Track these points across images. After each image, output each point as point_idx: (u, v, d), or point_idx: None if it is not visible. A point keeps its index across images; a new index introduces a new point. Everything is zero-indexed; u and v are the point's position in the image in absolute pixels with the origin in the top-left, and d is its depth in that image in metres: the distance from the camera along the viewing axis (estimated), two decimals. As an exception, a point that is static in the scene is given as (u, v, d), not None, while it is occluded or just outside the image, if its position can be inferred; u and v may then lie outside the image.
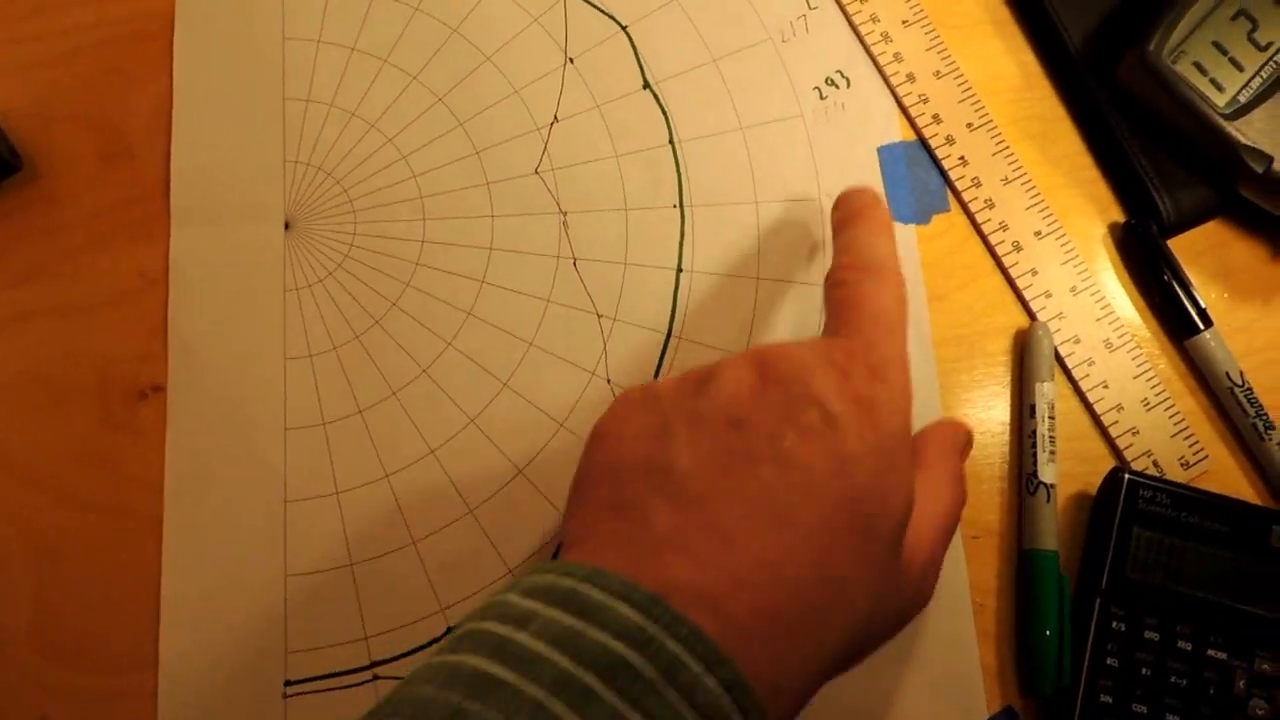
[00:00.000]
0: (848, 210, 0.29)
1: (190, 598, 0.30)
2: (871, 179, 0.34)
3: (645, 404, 0.24)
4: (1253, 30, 0.33)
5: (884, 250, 0.27)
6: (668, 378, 0.25)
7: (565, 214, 0.34)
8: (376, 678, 0.30)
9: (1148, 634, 0.30)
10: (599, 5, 0.35)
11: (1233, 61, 0.32)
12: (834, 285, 0.26)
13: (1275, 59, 0.33)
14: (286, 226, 0.33)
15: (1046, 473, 0.32)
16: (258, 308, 0.32)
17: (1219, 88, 0.32)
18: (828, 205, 0.34)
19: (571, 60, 0.35)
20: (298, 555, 0.31)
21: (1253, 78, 0.32)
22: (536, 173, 0.34)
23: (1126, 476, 0.31)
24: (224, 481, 0.31)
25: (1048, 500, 0.31)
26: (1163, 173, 0.34)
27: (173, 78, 0.33)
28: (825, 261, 0.34)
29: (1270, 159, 0.32)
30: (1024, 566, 0.31)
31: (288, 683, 0.30)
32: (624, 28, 0.35)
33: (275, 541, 0.31)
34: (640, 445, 0.22)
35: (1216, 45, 0.33)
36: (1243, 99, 0.32)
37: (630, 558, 0.20)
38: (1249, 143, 0.32)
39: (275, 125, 0.33)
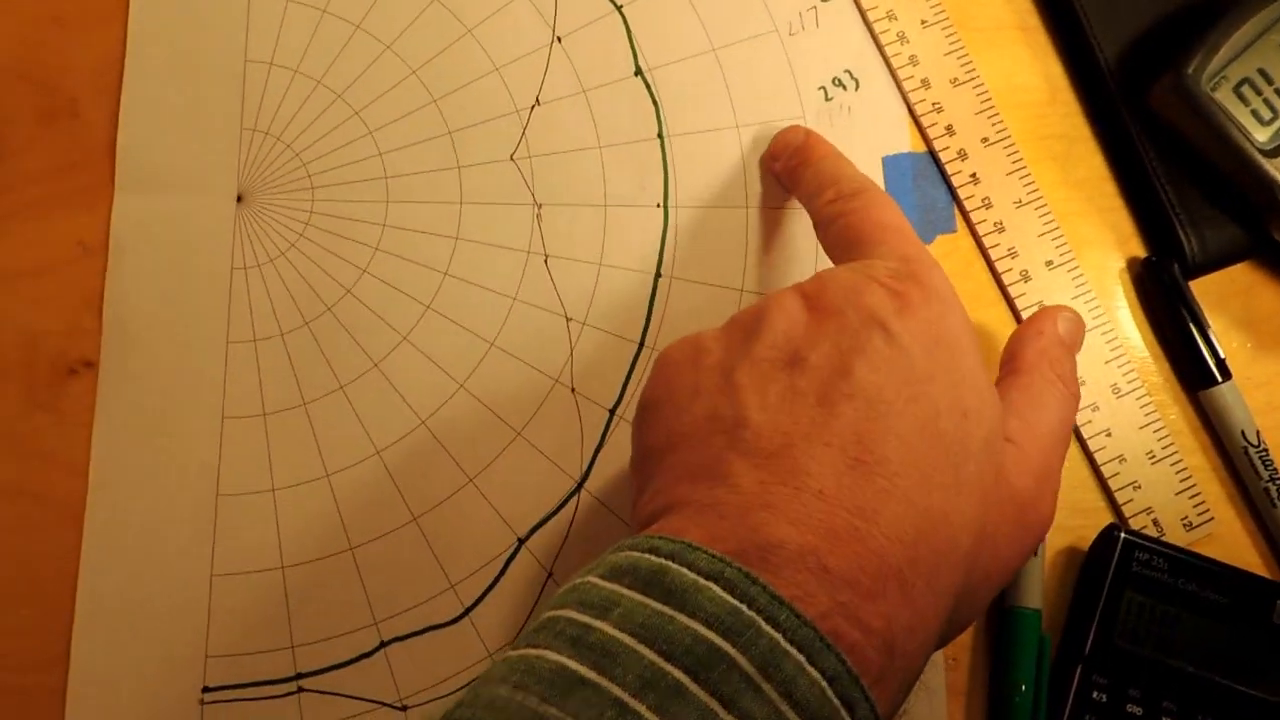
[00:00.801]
0: (794, 155, 0.29)
1: (108, 593, 0.28)
2: (874, 191, 0.32)
3: (694, 361, 0.22)
4: (1304, 58, 0.30)
5: (855, 172, 0.27)
6: (710, 329, 0.23)
7: (540, 206, 0.31)
8: (301, 690, 0.28)
9: (1130, 707, 0.28)
10: (594, -19, 0.32)
11: (1279, 93, 0.30)
12: (830, 221, 0.26)
13: (1326, 91, 0.30)
14: (239, 200, 0.30)
15: (1036, 524, 0.29)
16: (202, 285, 0.30)
17: (1260, 121, 0.29)
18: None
19: (559, 39, 0.32)
20: (226, 554, 0.29)
21: (1299, 111, 0.30)
22: (512, 159, 0.31)
23: (1122, 536, 0.29)
24: (153, 470, 0.29)
25: (1035, 554, 0.29)
26: (1190, 208, 0.31)
27: (126, 29, 0.31)
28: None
29: (1311, 202, 0.29)
30: (1003, 623, 0.29)
31: (205, 689, 0.28)
32: (619, 7, 0.32)
33: (203, 538, 0.29)
34: (703, 404, 0.21)
35: (1262, 73, 0.30)
36: (1286, 134, 0.29)
37: (718, 525, 0.18)
38: (1289, 182, 0.29)
39: (234, 89, 0.31)
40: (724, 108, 0.32)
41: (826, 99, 0.32)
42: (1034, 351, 0.25)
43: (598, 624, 0.17)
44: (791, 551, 0.18)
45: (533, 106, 0.32)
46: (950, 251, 0.32)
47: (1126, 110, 0.32)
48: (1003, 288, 0.32)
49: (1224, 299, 0.32)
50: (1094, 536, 0.30)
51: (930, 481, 0.19)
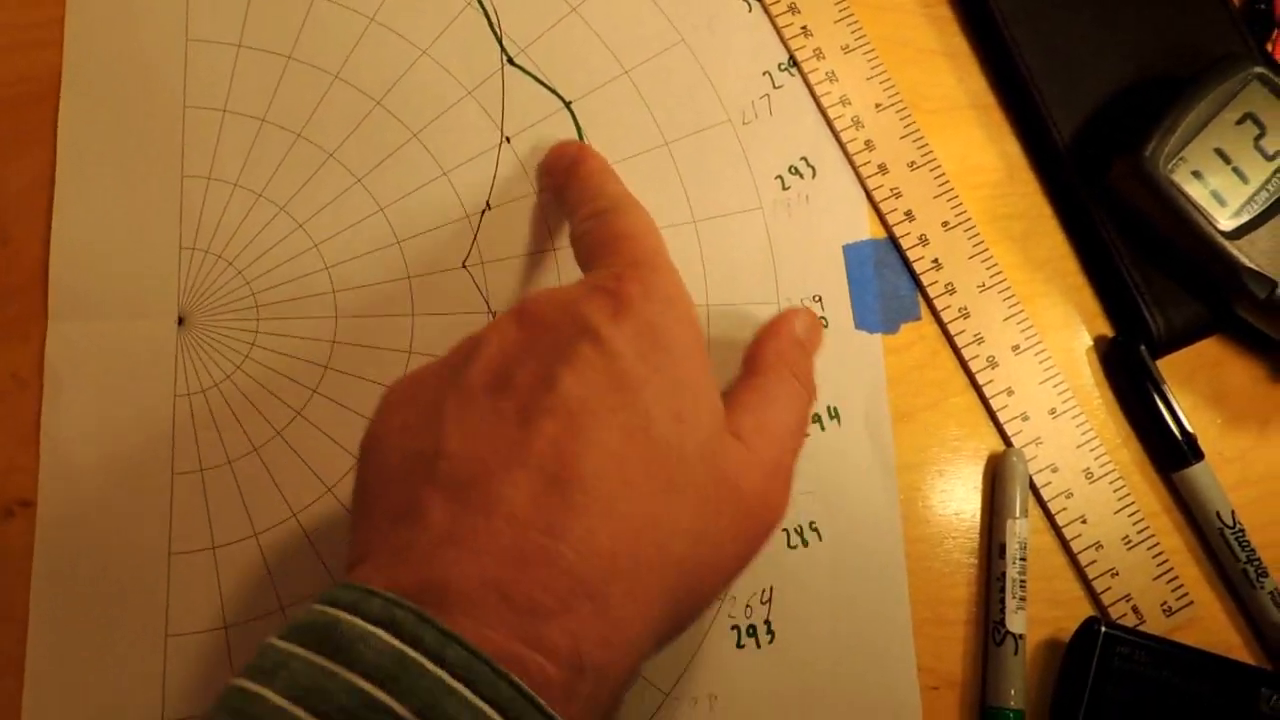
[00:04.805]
0: (560, 173, 0.28)
1: (54, 746, 0.27)
2: (835, 280, 0.31)
3: (411, 395, 0.22)
4: (1260, 137, 0.30)
5: (615, 188, 0.26)
6: (432, 361, 0.22)
7: (495, 314, 0.30)
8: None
9: (1120, 810, 0.27)
10: (541, 78, 0.32)
11: (1236, 172, 0.29)
12: (580, 236, 0.26)
13: (1283, 169, 0.30)
14: (180, 322, 0.29)
15: (1015, 622, 0.29)
16: (143, 415, 0.29)
17: (1220, 201, 0.29)
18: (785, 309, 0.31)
19: (508, 139, 0.31)
20: (178, 697, 0.27)
21: (1258, 191, 0.29)
22: (464, 266, 0.30)
23: (1103, 630, 0.28)
24: (98, 613, 0.27)
25: (1015, 653, 0.28)
26: (1154, 287, 0.31)
27: (56, 149, 0.30)
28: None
29: (1274, 284, 0.29)
30: (987, 727, 0.28)
31: (162, 844, 0.27)
32: (568, 104, 0.32)
33: (153, 682, 0.27)
34: (408, 439, 0.21)
35: (1219, 153, 0.29)
36: (1246, 215, 0.29)
37: (401, 567, 0.18)
38: (1251, 265, 0.29)
39: (171, 206, 0.30)
40: (679, 203, 0.31)
41: (784, 188, 0.32)
42: (771, 352, 0.25)
43: (262, 691, 0.16)
44: (472, 584, 0.17)
45: (483, 211, 0.31)
46: (916, 340, 0.31)
47: (1085, 191, 0.31)
48: (970, 375, 0.31)
49: (1192, 374, 0.32)
50: (1074, 627, 0.29)
51: (636, 490, 0.19)
